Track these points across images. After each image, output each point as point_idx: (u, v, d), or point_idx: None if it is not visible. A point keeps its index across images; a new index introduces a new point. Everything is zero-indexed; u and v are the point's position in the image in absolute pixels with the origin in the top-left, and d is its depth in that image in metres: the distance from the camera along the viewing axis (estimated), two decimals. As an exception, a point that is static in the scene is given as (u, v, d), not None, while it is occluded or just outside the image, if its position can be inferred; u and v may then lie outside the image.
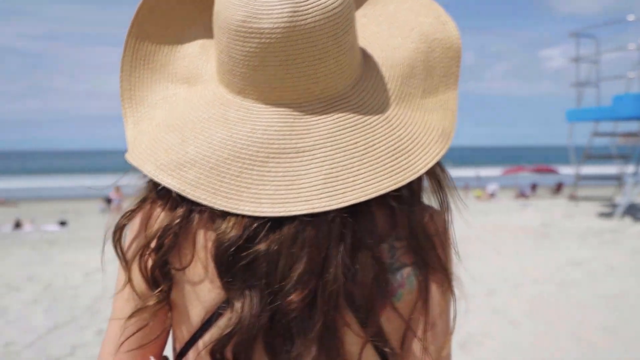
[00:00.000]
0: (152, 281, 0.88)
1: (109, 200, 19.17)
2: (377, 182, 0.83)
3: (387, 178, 0.84)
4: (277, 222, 0.83)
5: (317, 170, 0.83)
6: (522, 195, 25.98)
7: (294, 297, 0.82)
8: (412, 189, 0.91)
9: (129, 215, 0.92)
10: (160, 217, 0.89)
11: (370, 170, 0.84)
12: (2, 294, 7.53)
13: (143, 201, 0.92)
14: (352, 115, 0.87)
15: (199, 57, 0.96)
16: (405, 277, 0.89)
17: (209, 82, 0.93)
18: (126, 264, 0.90)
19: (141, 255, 0.88)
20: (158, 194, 0.90)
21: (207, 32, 0.97)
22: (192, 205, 0.87)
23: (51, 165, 66.89)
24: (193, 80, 0.95)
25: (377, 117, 0.87)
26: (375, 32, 0.97)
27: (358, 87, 0.89)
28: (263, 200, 0.82)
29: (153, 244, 0.88)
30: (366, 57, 0.94)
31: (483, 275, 7.26)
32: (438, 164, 0.92)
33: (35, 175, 48.86)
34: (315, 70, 0.84)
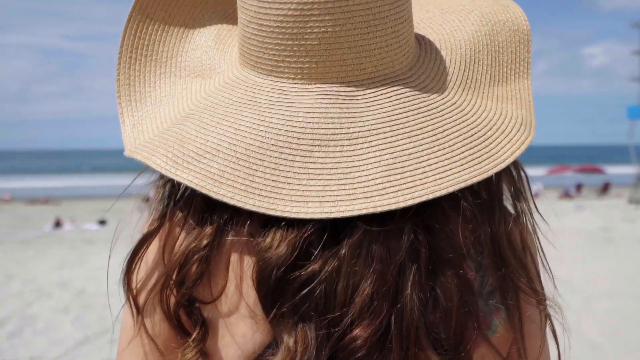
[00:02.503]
0: (179, 327, 0.72)
1: (147, 199, 19.21)
2: (455, 174, 0.68)
3: (466, 169, 0.69)
4: (334, 234, 0.68)
5: (376, 160, 0.69)
6: (566, 195, 26.30)
7: (359, 331, 0.67)
8: (491, 189, 0.76)
9: (146, 240, 0.75)
10: (180, 238, 0.73)
11: (444, 160, 0.69)
12: (32, 301, 7.41)
13: (160, 220, 0.75)
14: (413, 97, 0.73)
15: (214, 48, 0.83)
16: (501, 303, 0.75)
17: (228, 71, 0.80)
18: (137, 309, 0.73)
19: (161, 293, 0.72)
20: (176, 207, 0.74)
21: (222, 20, 0.86)
22: (223, 219, 0.71)
23: (93, 164, 68.59)
24: (207, 74, 0.81)
25: (444, 101, 0.74)
26: (425, 18, 0.85)
27: (417, 69, 0.77)
28: (309, 198, 0.67)
29: (174, 276, 0.71)
30: (420, 40, 0.81)
31: (548, 287, 6.74)
32: (514, 162, 0.76)
33: (77, 174, 50.15)
34: (368, 41, 0.72)
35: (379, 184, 0.68)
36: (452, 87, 0.77)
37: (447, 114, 0.74)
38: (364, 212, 0.66)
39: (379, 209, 0.66)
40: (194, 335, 0.72)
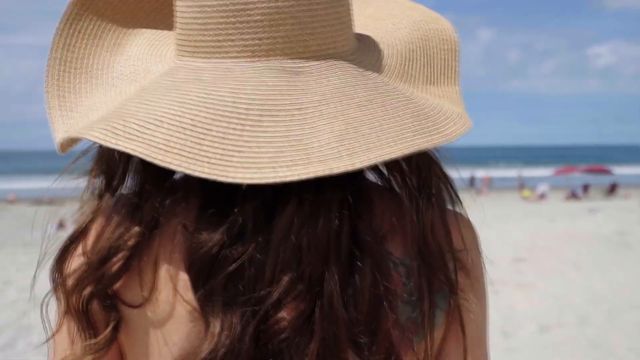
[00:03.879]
0: (86, 321, 0.71)
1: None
2: (409, 139, 0.68)
3: (418, 137, 0.69)
4: (268, 215, 0.68)
5: (329, 128, 0.67)
6: (573, 196, 26.33)
7: (285, 313, 0.67)
8: (421, 178, 0.76)
9: (80, 233, 0.74)
10: (107, 232, 0.71)
11: (396, 127, 0.69)
12: (28, 310, 7.07)
13: (92, 213, 0.74)
14: (360, 75, 0.74)
15: (148, 54, 0.81)
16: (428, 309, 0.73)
17: (168, 66, 0.77)
18: (65, 297, 0.72)
19: (77, 285, 0.71)
20: (107, 199, 0.74)
21: (154, 34, 0.84)
22: (157, 210, 0.70)
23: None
24: (142, 77, 0.78)
25: (386, 84, 0.76)
26: (359, 24, 0.84)
27: (358, 55, 0.78)
28: (262, 164, 0.64)
29: (94, 271, 0.70)
30: (357, 36, 0.81)
31: (568, 297, 6.55)
32: (437, 163, 0.78)
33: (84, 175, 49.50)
34: (311, 18, 0.72)
35: (334, 148, 0.66)
36: (392, 76, 0.79)
37: (392, 92, 0.74)
38: (319, 174, 0.64)
39: (335, 171, 0.65)
40: (100, 337, 0.71)
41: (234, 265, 0.68)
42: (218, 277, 0.68)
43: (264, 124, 0.67)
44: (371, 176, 0.79)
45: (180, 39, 0.76)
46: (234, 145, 0.66)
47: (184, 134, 0.66)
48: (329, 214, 0.69)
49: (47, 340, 0.76)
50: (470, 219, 0.81)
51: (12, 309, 7.25)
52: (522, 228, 13.68)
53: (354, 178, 0.71)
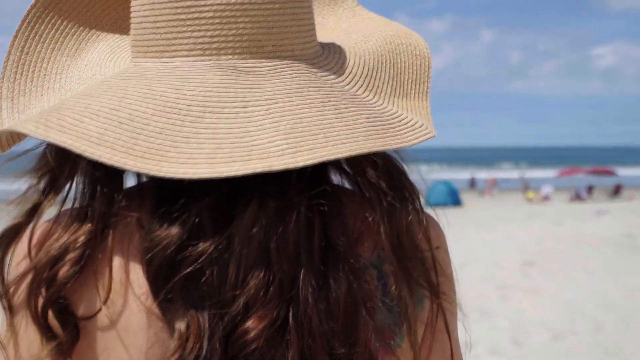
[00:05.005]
0: (45, 329, 0.66)
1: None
2: (359, 141, 0.66)
3: (370, 139, 0.66)
4: (228, 213, 0.66)
5: (273, 126, 0.64)
6: (577, 197, 26.41)
7: (252, 323, 0.63)
8: (392, 181, 0.73)
9: (11, 235, 0.70)
10: (55, 233, 0.68)
11: (346, 129, 0.66)
12: None
13: (31, 212, 0.69)
14: (315, 77, 0.72)
15: (106, 60, 0.80)
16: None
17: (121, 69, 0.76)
18: (10, 306, 0.68)
19: (30, 288, 0.66)
20: (52, 197, 0.69)
21: (116, 39, 0.82)
22: (108, 208, 0.67)
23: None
24: (100, 79, 0.76)
25: (346, 88, 0.74)
26: (330, 37, 0.84)
27: (319, 61, 0.76)
28: (199, 160, 0.62)
29: (44, 275, 0.66)
30: (323, 45, 0.80)
31: (578, 302, 6.38)
32: (398, 163, 0.76)
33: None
34: (265, 17, 0.70)
35: (277, 146, 0.64)
36: (355, 84, 0.76)
37: (349, 97, 0.72)
38: (259, 170, 0.62)
39: (274, 168, 0.62)
40: (59, 339, 0.67)
41: (194, 265, 0.64)
42: (177, 278, 0.64)
43: (206, 120, 0.65)
44: (338, 181, 0.76)
45: (134, 40, 0.74)
46: (172, 140, 0.63)
47: (120, 127, 0.64)
48: (298, 216, 0.66)
49: None
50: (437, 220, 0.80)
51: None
52: (528, 230, 13.52)
53: (319, 182, 0.69)
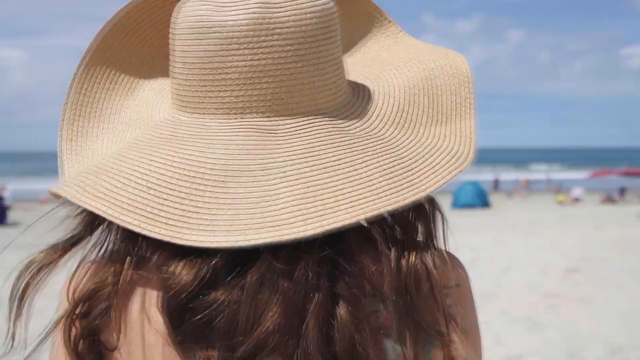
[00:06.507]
0: (76, 354, 0.74)
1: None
2: (369, 202, 0.68)
3: (382, 198, 0.69)
4: (241, 262, 0.69)
5: (288, 190, 0.69)
6: (609, 199, 25.98)
7: None
8: (406, 226, 0.76)
9: (42, 266, 0.76)
10: (88, 273, 0.75)
11: (359, 189, 0.69)
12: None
13: (64, 250, 0.77)
14: (336, 134, 0.75)
15: (155, 100, 0.86)
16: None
17: (162, 116, 0.82)
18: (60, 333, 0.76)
19: (67, 320, 0.73)
20: (86, 240, 0.77)
21: (167, 77, 0.84)
22: (131, 256, 0.73)
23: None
24: (145, 123, 0.83)
25: (369, 137, 0.75)
26: (365, 72, 0.87)
27: (345, 110, 0.78)
28: (217, 227, 0.68)
29: (78, 310, 0.74)
30: (354, 88, 0.83)
31: (635, 313, 6.03)
32: (432, 201, 0.78)
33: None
34: (289, 77, 0.73)
35: (289, 212, 0.67)
36: (383, 127, 0.78)
37: (370, 148, 0.73)
38: (269, 240, 0.66)
39: (285, 238, 0.66)
40: None
41: (205, 312, 0.69)
42: (192, 321, 0.69)
43: (227, 185, 0.69)
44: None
45: (172, 92, 0.80)
46: (194, 206, 0.69)
47: (148, 193, 0.70)
48: (306, 269, 0.68)
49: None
50: (456, 254, 0.79)
51: (42, 317, 6.95)
52: (569, 235, 13.15)
53: (330, 235, 0.69)
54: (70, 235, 0.77)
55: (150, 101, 0.85)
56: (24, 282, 0.75)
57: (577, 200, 25.78)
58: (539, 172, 48.29)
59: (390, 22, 0.94)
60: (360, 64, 0.90)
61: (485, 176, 34.04)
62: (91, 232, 0.77)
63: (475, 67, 0.88)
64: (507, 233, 13.98)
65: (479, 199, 23.57)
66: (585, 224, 15.17)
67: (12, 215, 21.41)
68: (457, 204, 22.65)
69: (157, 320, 0.71)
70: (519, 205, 24.29)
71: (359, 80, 0.85)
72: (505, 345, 5.74)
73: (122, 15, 0.85)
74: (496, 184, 34.21)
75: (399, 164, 0.72)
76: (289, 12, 0.73)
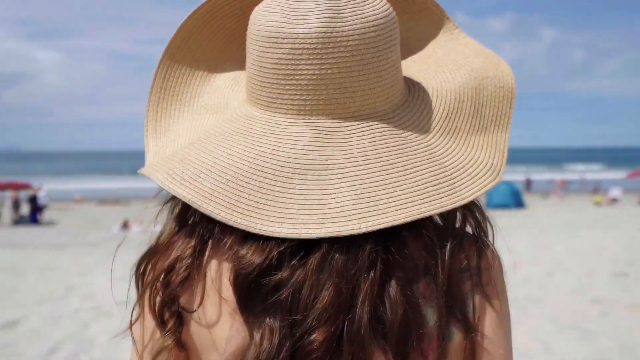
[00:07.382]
0: (160, 320, 0.85)
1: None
2: (415, 206, 0.79)
3: (427, 202, 0.79)
4: (304, 248, 0.80)
5: (347, 190, 0.80)
6: None
7: (317, 335, 0.78)
8: (451, 223, 0.86)
9: (155, 248, 0.89)
10: (176, 247, 0.87)
11: (407, 193, 0.80)
12: (89, 321, 6.71)
13: (169, 233, 0.90)
14: (391, 137, 0.84)
15: (229, 89, 0.96)
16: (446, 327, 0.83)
17: (236, 107, 0.92)
18: (144, 301, 0.87)
19: (151, 289, 0.86)
20: (178, 219, 0.89)
21: (240, 67, 0.98)
22: (207, 235, 0.85)
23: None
24: (222, 110, 0.94)
25: (419, 142, 0.85)
26: (422, 69, 0.96)
27: (400, 112, 0.87)
28: (285, 219, 0.79)
29: (162, 278, 0.85)
30: (410, 86, 0.92)
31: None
32: (478, 208, 0.88)
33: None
34: (352, 83, 0.83)
35: (346, 211, 0.78)
36: (431, 131, 0.86)
37: (419, 154, 0.83)
38: (329, 234, 0.77)
39: (342, 233, 0.77)
40: (169, 326, 0.84)
41: (272, 290, 0.79)
42: (259, 296, 0.79)
43: (294, 181, 0.80)
44: None
45: (247, 88, 0.90)
46: (265, 199, 0.79)
47: (227, 185, 0.80)
48: (362, 254, 0.78)
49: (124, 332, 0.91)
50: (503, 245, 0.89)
51: (74, 318, 6.85)
52: (613, 237, 12.67)
53: (386, 229, 0.78)
54: (166, 223, 0.90)
55: (226, 88, 0.96)
56: (143, 260, 0.88)
57: (615, 200, 25.12)
58: (574, 172, 47.28)
59: (448, 18, 1.00)
60: (417, 61, 0.98)
61: (517, 176, 33.40)
62: (176, 217, 0.89)
63: (507, 66, 0.92)
64: (546, 234, 13.54)
65: (514, 199, 23.04)
66: (626, 226, 14.65)
67: (47, 215, 21.64)
68: (491, 204, 22.15)
69: (229, 292, 0.81)
70: (555, 206, 23.69)
71: (415, 78, 0.93)
72: (555, 354, 5.42)
73: (202, 7, 0.95)
74: (528, 184, 33.50)
75: (442, 172, 0.81)
76: (354, 25, 0.81)
